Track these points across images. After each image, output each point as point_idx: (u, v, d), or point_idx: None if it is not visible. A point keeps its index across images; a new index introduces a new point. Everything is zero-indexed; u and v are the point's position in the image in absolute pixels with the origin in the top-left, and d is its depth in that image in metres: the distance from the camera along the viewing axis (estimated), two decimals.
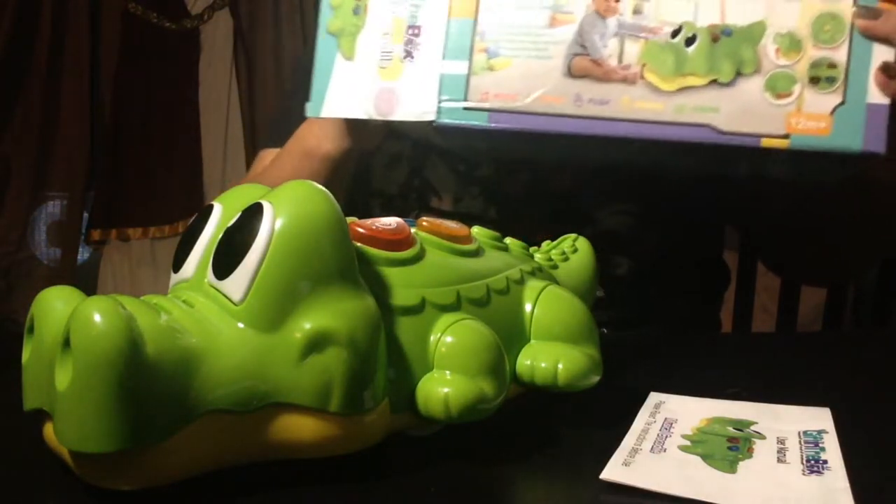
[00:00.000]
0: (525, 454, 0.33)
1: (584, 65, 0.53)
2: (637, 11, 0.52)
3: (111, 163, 2.38)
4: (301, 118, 0.78)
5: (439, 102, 0.55)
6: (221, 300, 0.28)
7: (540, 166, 0.66)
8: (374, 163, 0.72)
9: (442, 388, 0.30)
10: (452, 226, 0.37)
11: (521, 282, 0.37)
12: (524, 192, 0.66)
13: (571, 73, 0.53)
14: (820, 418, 0.36)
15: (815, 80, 0.49)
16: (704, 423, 0.36)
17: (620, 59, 0.52)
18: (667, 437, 0.34)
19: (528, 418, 0.37)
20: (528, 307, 0.37)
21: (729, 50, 0.51)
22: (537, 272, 0.39)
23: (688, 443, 0.33)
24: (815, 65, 0.50)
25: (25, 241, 2.31)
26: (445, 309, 0.33)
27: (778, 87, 0.50)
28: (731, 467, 0.31)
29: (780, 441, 0.33)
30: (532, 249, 0.43)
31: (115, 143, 2.38)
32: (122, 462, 0.25)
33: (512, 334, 0.36)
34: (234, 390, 0.27)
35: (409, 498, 0.29)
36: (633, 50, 0.52)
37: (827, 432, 0.34)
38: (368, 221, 0.34)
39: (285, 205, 0.29)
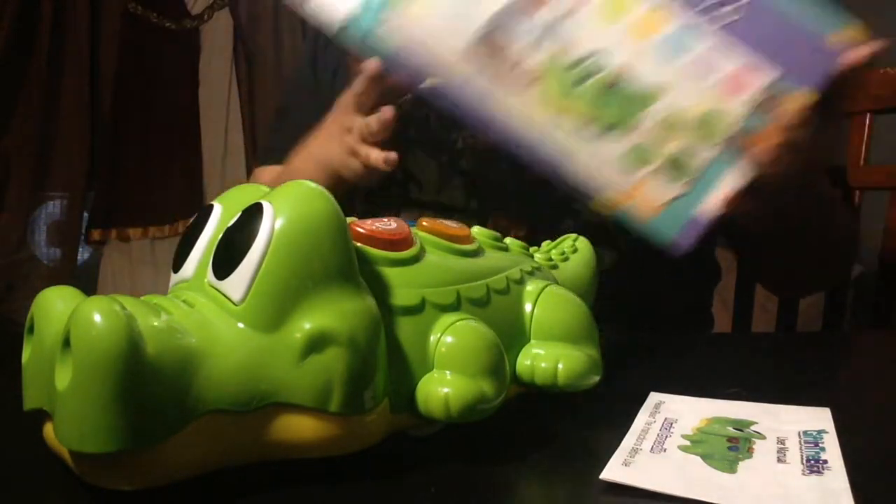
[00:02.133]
0: (525, 454, 0.33)
1: (493, 43, 0.52)
2: (557, 25, 0.51)
3: (111, 163, 2.38)
4: (296, 134, 0.79)
5: (354, 13, 0.53)
6: (221, 300, 0.28)
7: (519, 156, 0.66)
8: None
9: (442, 388, 0.30)
10: (452, 226, 0.37)
11: (521, 282, 0.37)
12: (505, 183, 0.66)
13: (477, 45, 0.52)
14: (820, 418, 0.36)
15: (673, 164, 0.50)
16: (704, 423, 0.36)
17: (523, 58, 0.52)
18: (667, 437, 0.34)
19: (528, 418, 0.37)
20: (528, 307, 0.37)
21: (617, 101, 0.50)
22: (537, 272, 0.39)
23: (688, 443, 0.33)
24: (683, 152, 0.50)
25: (25, 241, 2.31)
26: (445, 309, 0.33)
27: (638, 158, 0.50)
28: (731, 467, 0.31)
29: (780, 441, 0.33)
30: (532, 249, 0.43)
31: (115, 143, 2.39)
32: (122, 462, 0.25)
33: (512, 334, 0.36)
34: (234, 390, 0.27)
35: (409, 498, 0.29)
36: (537, 55, 0.51)
37: (827, 432, 0.34)
38: (368, 221, 0.34)
39: (285, 205, 0.29)
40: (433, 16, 0.53)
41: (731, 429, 0.35)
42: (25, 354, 0.29)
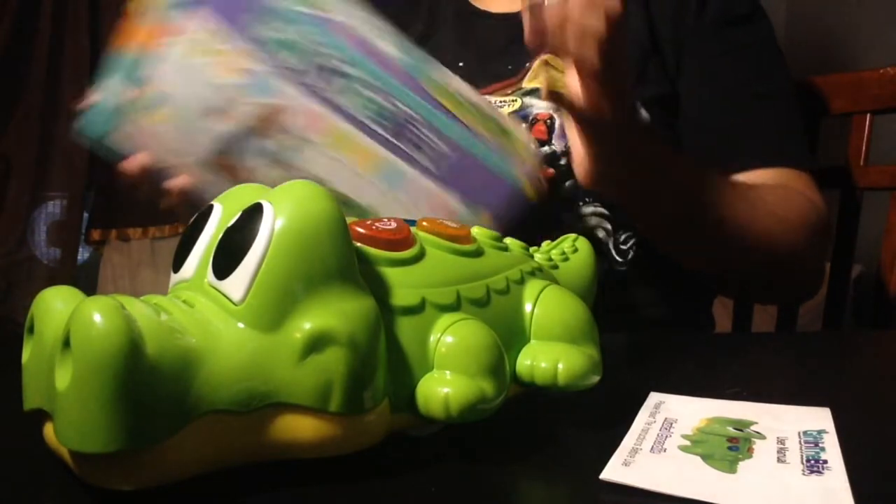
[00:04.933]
0: (525, 454, 0.33)
1: (223, 163, 0.56)
2: (291, 149, 0.56)
3: (111, 163, 2.38)
4: None
5: (90, 108, 0.55)
6: (221, 300, 0.28)
7: None
8: None
9: (442, 388, 0.30)
10: (452, 226, 0.37)
11: (521, 282, 0.37)
12: None
13: (209, 161, 0.56)
14: (820, 418, 0.36)
15: None
16: (704, 423, 0.36)
17: (252, 175, 0.56)
18: (667, 437, 0.34)
19: (528, 418, 0.37)
20: (528, 307, 0.37)
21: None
22: (537, 272, 0.39)
23: (688, 443, 0.33)
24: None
25: (25, 241, 2.31)
26: (445, 309, 0.33)
27: None
28: (731, 467, 0.31)
29: (780, 441, 0.33)
30: (532, 249, 0.43)
31: None
32: (122, 462, 0.25)
33: (512, 334, 0.36)
34: (234, 390, 0.27)
35: (409, 498, 0.29)
36: (269, 174, 0.56)
37: (827, 432, 0.34)
38: (368, 221, 0.34)
39: (285, 205, 0.29)
40: (167, 130, 0.56)
41: (731, 429, 0.35)
42: (25, 354, 0.29)
